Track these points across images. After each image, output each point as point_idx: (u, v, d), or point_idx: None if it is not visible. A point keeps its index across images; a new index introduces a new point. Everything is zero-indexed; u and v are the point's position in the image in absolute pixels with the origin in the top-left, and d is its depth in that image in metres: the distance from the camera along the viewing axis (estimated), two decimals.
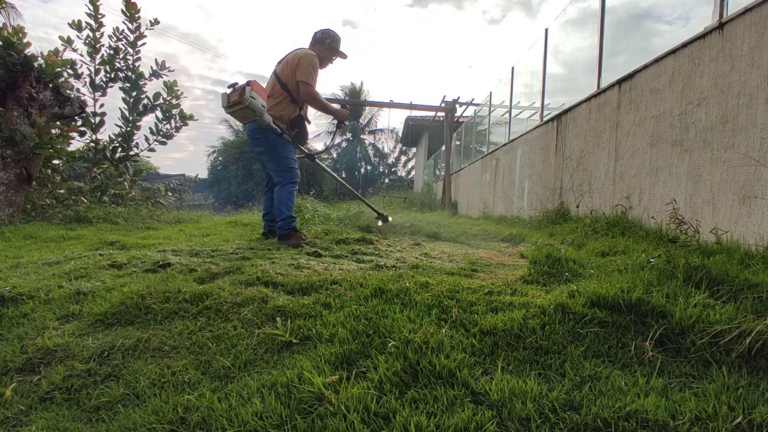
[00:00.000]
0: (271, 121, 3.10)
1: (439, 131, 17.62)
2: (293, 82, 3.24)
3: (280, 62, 3.39)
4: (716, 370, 1.22)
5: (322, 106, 3.37)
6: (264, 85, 3.25)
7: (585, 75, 5.48)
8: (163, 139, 7.05)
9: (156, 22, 6.82)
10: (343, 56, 3.57)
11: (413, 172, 29.66)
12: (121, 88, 6.73)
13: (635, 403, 1.04)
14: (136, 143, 7.09)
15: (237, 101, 2.84)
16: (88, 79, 6.47)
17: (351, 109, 28.70)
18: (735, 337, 1.30)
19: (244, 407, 1.07)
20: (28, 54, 5.12)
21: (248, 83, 2.90)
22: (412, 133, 22.48)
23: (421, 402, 1.08)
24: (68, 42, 6.14)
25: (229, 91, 2.92)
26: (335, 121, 3.70)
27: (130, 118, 6.82)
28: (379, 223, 4.51)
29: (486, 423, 0.98)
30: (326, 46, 3.43)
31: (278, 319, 1.58)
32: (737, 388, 1.12)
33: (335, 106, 3.58)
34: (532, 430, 0.97)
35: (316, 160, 3.72)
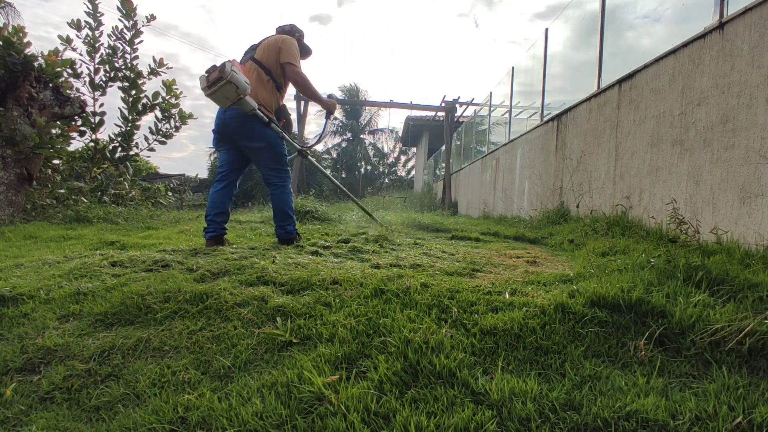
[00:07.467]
0: (256, 107, 2.87)
1: (439, 131, 17.61)
2: (277, 67, 3.04)
3: (253, 48, 3.14)
4: (716, 370, 1.22)
5: (311, 91, 3.14)
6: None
7: (573, 73, 5.52)
8: (163, 139, 7.06)
9: (152, 17, 6.80)
10: (309, 52, 3.39)
11: (413, 172, 29.66)
12: (120, 88, 6.73)
13: (635, 403, 1.04)
14: (136, 143, 7.10)
15: (218, 77, 2.62)
16: (87, 79, 6.47)
17: (351, 109, 28.68)
18: (735, 337, 1.30)
19: (244, 407, 1.07)
20: (28, 54, 5.12)
21: (229, 61, 2.72)
22: (412, 133, 22.47)
23: (421, 402, 1.08)
24: (67, 41, 6.14)
25: (206, 74, 2.72)
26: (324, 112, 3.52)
27: (130, 117, 6.82)
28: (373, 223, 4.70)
29: (486, 423, 0.98)
30: (296, 38, 3.20)
31: (278, 318, 1.58)
32: (737, 387, 1.12)
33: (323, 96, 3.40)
34: (532, 430, 0.97)
35: (309, 157, 3.57)
